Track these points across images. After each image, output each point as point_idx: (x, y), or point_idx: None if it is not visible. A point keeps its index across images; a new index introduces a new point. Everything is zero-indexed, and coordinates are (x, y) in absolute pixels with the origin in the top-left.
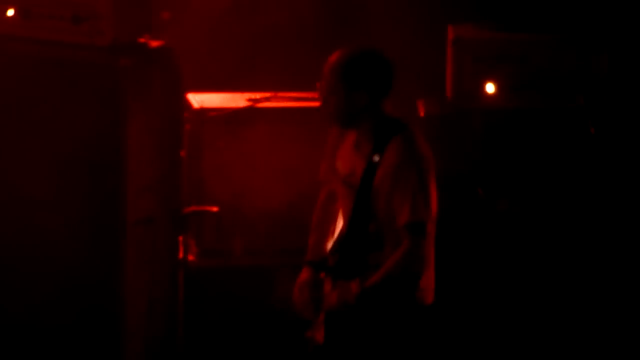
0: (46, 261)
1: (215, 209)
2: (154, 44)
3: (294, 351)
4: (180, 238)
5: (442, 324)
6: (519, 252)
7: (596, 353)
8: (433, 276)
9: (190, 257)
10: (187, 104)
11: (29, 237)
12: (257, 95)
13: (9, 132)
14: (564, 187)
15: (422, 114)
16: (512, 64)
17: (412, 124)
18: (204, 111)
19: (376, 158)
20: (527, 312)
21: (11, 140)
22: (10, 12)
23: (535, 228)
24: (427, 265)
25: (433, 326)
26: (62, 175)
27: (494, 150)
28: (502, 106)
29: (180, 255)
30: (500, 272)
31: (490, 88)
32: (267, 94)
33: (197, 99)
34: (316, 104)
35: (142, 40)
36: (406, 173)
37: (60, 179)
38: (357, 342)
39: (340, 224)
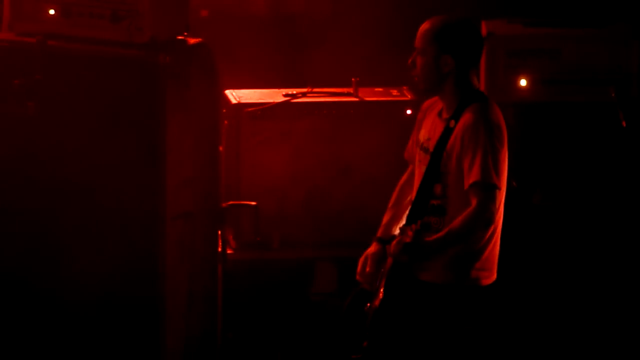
0: (88, 255)
1: (253, 203)
2: (192, 41)
3: (332, 343)
4: (219, 232)
5: (497, 306)
6: (553, 244)
7: (628, 342)
8: (496, 255)
9: (229, 251)
10: (225, 100)
11: (72, 231)
12: (294, 91)
13: (51, 129)
14: (596, 180)
15: None
16: (545, 59)
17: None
18: (241, 107)
19: (452, 123)
20: (562, 304)
21: (53, 136)
22: (52, 12)
23: (569, 221)
24: (490, 238)
25: (486, 308)
26: (103, 170)
27: (527, 144)
28: (535, 100)
29: (219, 249)
30: (534, 264)
31: (522, 82)
32: (304, 89)
33: (235, 95)
34: (352, 98)
35: (180, 37)
36: (479, 137)
37: (101, 174)
38: (409, 316)
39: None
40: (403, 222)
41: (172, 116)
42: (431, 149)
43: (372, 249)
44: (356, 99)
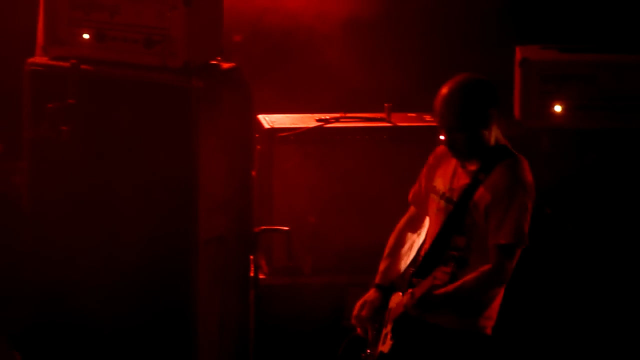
0: (122, 277)
1: (285, 228)
2: (226, 65)
3: None
4: (251, 256)
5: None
6: (587, 270)
7: None
8: (498, 307)
9: (261, 275)
10: (258, 125)
11: (106, 254)
12: (327, 116)
13: (85, 152)
14: (630, 207)
15: None
16: (579, 85)
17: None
18: (274, 131)
19: (481, 176)
20: (596, 327)
21: (85, 160)
22: (86, 36)
23: (603, 247)
24: (501, 289)
25: (492, 355)
26: (137, 193)
27: (562, 170)
28: (569, 126)
29: (251, 273)
30: (568, 290)
31: (557, 108)
32: (337, 114)
33: (268, 120)
34: (385, 124)
35: (213, 62)
36: (513, 196)
37: (135, 197)
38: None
39: (413, 254)
40: (402, 267)
41: (205, 140)
42: (455, 199)
43: (371, 295)
44: (389, 124)
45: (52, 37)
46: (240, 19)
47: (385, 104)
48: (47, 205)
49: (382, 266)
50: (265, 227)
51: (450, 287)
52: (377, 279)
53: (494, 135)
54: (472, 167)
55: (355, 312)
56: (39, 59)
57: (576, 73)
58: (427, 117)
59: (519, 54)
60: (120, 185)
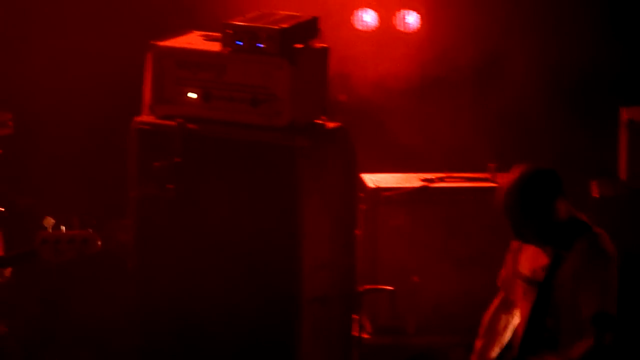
0: (227, 336)
1: (389, 287)
2: (330, 124)
3: None
4: (355, 316)
5: None
6: None
7: None
8: None
9: (365, 335)
10: (362, 184)
11: (208, 313)
12: (431, 176)
13: (190, 210)
14: None
15: (596, 194)
16: None
17: (595, 227)
18: (378, 191)
19: (563, 254)
20: None
21: (193, 217)
22: (193, 95)
23: None
24: None
25: None
26: (241, 251)
27: None
28: None
29: (355, 332)
30: None
31: None
32: (441, 174)
33: (372, 179)
34: (489, 184)
35: (318, 121)
36: (600, 270)
37: (239, 255)
38: None
39: (509, 334)
40: (498, 346)
41: (309, 199)
42: (539, 280)
43: None
44: (493, 185)
45: (159, 96)
46: (345, 78)
47: (490, 164)
48: (152, 262)
49: (477, 346)
50: (368, 287)
51: None
52: (474, 358)
53: (565, 210)
54: (550, 247)
55: None
56: (146, 117)
57: None
58: None
59: (624, 114)
60: (224, 243)
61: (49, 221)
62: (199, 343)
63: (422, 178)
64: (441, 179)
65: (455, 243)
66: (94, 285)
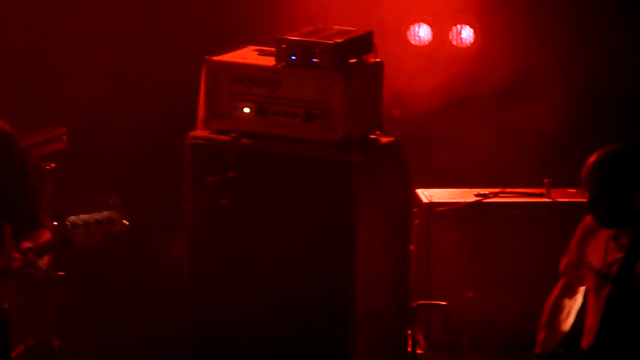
0: (281, 351)
1: (443, 302)
2: (385, 139)
3: None
4: (409, 331)
5: None
6: None
7: None
8: None
9: (419, 351)
10: (416, 199)
11: (266, 322)
12: (485, 191)
13: (244, 225)
14: None
15: None
16: None
17: None
18: (432, 206)
19: (638, 250)
20: None
21: (246, 232)
22: (247, 110)
23: None
24: None
25: None
26: (294, 266)
27: None
28: None
29: (409, 348)
30: None
31: None
32: (495, 189)
33: (426, 194)
34: (544, 199)
35: (373, 136)
36: None
37: (293, 270)
38: None
39: (571, 319)
40: (562, 334)
41: (363, 214)
42: (612, 275)
43: None
44: (548, 200)
45: (213, 111)
46: (398, 92)
47: (545, 180)
48: (206, 276)
49: (541, 336)
50: (422, 302)
51: None
52: (538, 349)
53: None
54: (625, 240)
55: None
56: (200, 132)
57: None
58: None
59: None
60: (278, 259)
61: (77, 205)
62: (252, 358)
63: (476, 193)
64: (495, 194)
65: (510, 258)
66: (149, 300)
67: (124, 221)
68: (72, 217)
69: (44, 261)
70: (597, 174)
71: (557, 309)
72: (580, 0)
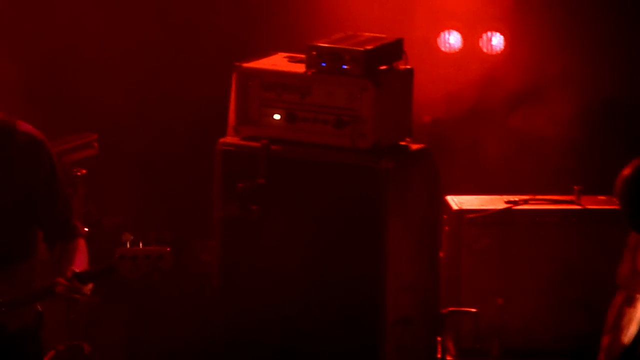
0: (310, 355)
1: (473, 309)
2: (415, 146)
3: None
4: (438, 338)
5: None
6: None
7: None
8: None
9: (448, 357)
10: (446, 206)
11: (296, 329)
12: (516, 198)
13: (274, 231)
14: None
15: None
16: None
17: None
18: (462, 213)
19: None
20: None
21: (276, 239)
22: (277, 116)
23: None
24: None
25: None
26: (324, 273)
27: None
28: None
29: (438, 355)
30: None
31: None
32: (526, 196)
33: (456, 201)
34: (574, 206)
35: (403, 142)
36: None
37: (323, 276)
38: None
39: (635, 327)
40: (625, 340)
41: (393, 220)
42: None
43: None
44: (579, 207)
45: (243, 118)
46: (428, 99)
47: (575, 187)
48: (236, 283)
49: (604, 342)
50: (452, 309)
51: None
52: (601, 356)
53: None
54: None
55: None
56: (230, 138)
57: None
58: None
59: None
60: (308, 265)
61: (127, 237)
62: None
63: (506, 200)
64: (525, 201)
65: (540, 265)
66: (179, 307)
67: (172, 259)
68: (121, 248)
69: (88, 287)
70: (628, 192)
71: (619, 317)
72: (612, 7)
